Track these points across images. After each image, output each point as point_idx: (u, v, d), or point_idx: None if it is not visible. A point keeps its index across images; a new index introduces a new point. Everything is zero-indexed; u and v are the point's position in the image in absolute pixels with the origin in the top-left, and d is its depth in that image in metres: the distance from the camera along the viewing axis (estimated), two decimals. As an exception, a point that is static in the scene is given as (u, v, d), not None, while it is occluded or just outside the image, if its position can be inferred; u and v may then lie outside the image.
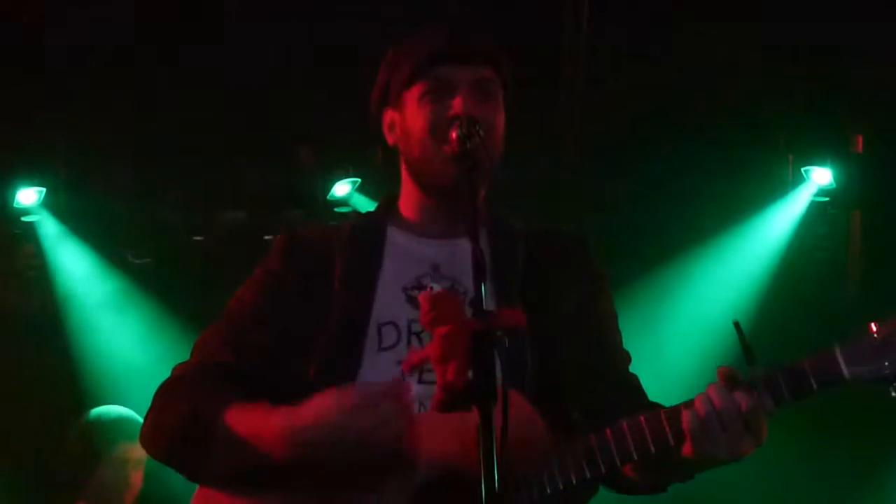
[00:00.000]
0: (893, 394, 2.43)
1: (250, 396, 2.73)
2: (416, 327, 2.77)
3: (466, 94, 2.78)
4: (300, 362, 2.78)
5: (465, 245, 2.76)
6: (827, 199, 7.05)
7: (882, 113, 6.66)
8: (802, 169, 6.99)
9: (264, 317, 2.86)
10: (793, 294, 7.03)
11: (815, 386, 2.45)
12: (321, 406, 2.56)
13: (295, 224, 2.87)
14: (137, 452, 4.81)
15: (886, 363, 2.42)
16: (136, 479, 4.99)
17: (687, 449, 2.52)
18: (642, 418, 2.56)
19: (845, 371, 2.43)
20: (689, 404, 2.53)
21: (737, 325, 2.47)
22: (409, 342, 2.78)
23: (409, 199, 2.97)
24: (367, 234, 2.95)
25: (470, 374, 2.28)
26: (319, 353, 2.77)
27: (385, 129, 2.96)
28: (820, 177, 6.97)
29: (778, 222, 7.12)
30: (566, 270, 2.92)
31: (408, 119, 2.86)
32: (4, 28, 5.97)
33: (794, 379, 2.48)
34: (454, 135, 2.65)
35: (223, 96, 6.42)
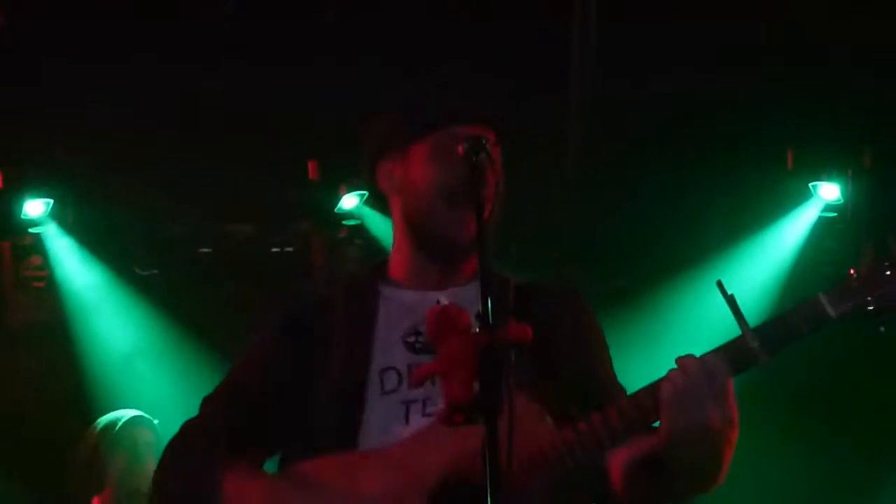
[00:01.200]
0: (882, 329, 2.54)
1: (251, 453, 2.83)
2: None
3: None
4: (304, 412, 2.84)
5: (462, 292, 2.85)
6: (835, 214, 7.04)
7: (891, 128, 6.66)
8: (810, 184, 6.99)
9: (266, 374, 2.90)
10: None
11: (805, 330, 2.54)
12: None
13: (286, 298, 2.94)
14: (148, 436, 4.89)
15: (870, 298, 2.53)
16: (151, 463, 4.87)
17: (662, 425, 2.54)
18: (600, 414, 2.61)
19: (831, 311, 2.54)
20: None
21: (719, 284, 2.51)
22: (409, 385, 2.79)
23: (402, 254, 2.97)
24: (361, 292, 2.95)
25: (476, 387, 2.28)
26: (324, 400, 2.81)
27: (381, 178, 2.95)
28: (828, 192, 6.96)
29: (786, 238, 7.11)
30: (557, 319, 2.90)
31: (413, 173, 2.86)
32: (9, 41, 5.98)
33: (784, 327, 2.55)
34: (461, 150, 2.64)
35: (231, 109, 6.43)
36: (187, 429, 2.90)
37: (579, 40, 6.24)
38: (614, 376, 2.97)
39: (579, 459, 2.60)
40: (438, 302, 2.59)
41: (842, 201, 6.97)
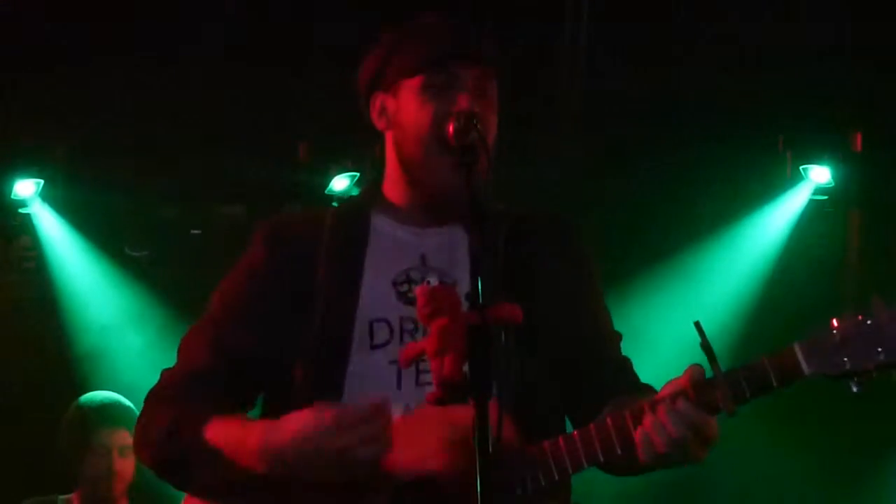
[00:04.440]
0: (854, 389, 2.44)
1: (233, 404, 2.75)
2: (409, 325, 2.73)
3: (471, 91, 2.73)
4: (286, 361, 2.75)
5: (452, 234, 2.79)
6: (825, 197, 7.05)
7: (881, 110, 6.66)
8: (801, 167, 6.99)
9: (247, 316, 2.81)
10: (790, 292, 7.03)
11: (775, 383, 2.47)
12: (299, 424, 2.53)
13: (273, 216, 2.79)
14: (123, 439, 4.73)
15: (846, 358, 2.43)
16: (124, 466, 4.84)
17: (639, 455, 2.52)
18: (593, 427, 2.55)
19: (805, 367, 2.45)
20: (637, 414, 2.52)
21: (697, 325, 2.48)
22: (401, 340, 2.72)
23: (395, 186, 2.88)
24: (351, 221, 2.88)
25: (466, 367, 2.28)
26: (305, 352, 2.73)
27: (374, 113, 2.88)
28: (818, 175, 6.97)
29: (776, 220, 7.12)
30: (550, 253, 2.85)
31: (405, 110, 2.79)
32: (3, 22, 5.96)
33: (755, 377, 2.48)
34: (451, 128, 2.62)
35: (221, 90, 6.42)
36: (167, 378, 2.84)
37: (573, 29, 6.24)
38: (610, 321, 2.93)
39: (551, 478, 2.56)
40: (429, 282, 2.59)
41: (832, 184, 6.98)
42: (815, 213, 7.09)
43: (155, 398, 2.82)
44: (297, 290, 2.78)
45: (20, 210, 6.92)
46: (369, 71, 2.89)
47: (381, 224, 2.86)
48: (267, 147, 6.94)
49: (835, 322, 2.47)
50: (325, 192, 7.06)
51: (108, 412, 4.90)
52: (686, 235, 7.08)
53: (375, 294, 2.77)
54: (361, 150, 6.97)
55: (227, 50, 6.25)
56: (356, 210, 2.92)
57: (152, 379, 2.89)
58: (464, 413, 2.29)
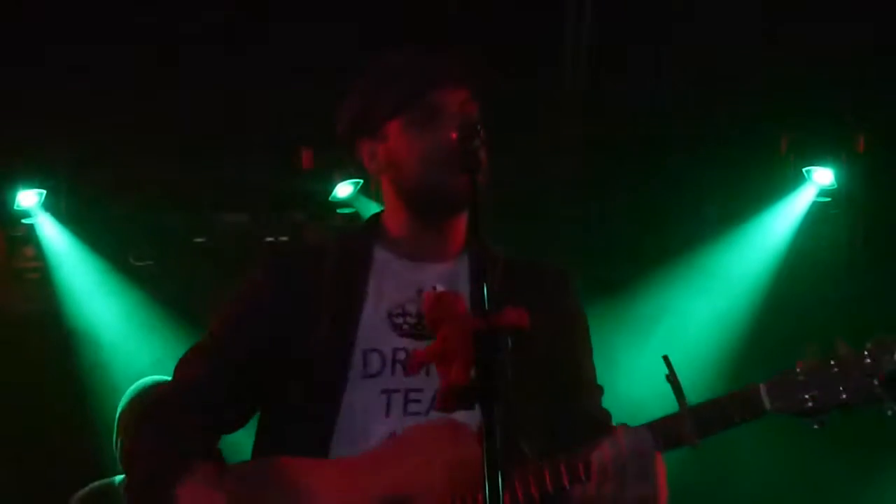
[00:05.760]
0: (816, 426, 2.54)
1: (227, 422, 2.82)
2: (401, 355, 2.76)
3: (457, 115, 2.72)
4: (282, 383, 2.78)
5: (450, 269, 2.83)
6: (829, 199, 7.05)
7: (884, 113, 6.66)
8: (804, 169, 6.99)
9: (246, 337, 2.82)
10: (794, 294, 7.03)
11: (737, 419, 2.54)
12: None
13: (279, 244, 2.83)
14: None
15: (807, 397, 2.52)
16: None
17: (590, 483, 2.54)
18: (546, 461, 2.58)
19: (767, 405, 2.54)
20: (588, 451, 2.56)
21: (666, 359, 2.53)
22: (392, 371, 2.75)
23: (395, 219, 2.90)
24: (354, 252, 2.89)
25: (473, 373, 2.28)
26: (303, 376, 2.76)
27: (364, 159, 2.89)
28: (822, 177, 6.97)
29: (780, 222, 7.12)
30: (543, 303, 2.81)
31: (395, 151, 2.81)
32: (5, 28, 5.96)
33: (720, 413, 2.55)
34: (454, 136, 2.63)
35: (225, 97, 6.42)
36: (161, 396, 2.87)
37: (573, 32, 6.24)
38: (593, 376, 2.94)
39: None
40: (434, 288, 2.58)
41: (835, 186, 6.98)
42: (819, 214, 7.09)
43: (145, 415, 2.86)
44: (298, 315, 2.80)
45: (23, 220, 6.92)
46: (349, 117, 2.90)
47: (382, 256, 2.88)
48: (270, 155, 6.95)
49: (799, 364, 2.55)
50: (329, 199, 7.07)
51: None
52: (690, 238, 7.07)
53: (371, 324, 2.80)
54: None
55: (229, 57, 6.25)
56: (359, 241, 2.94)
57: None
58: (451, 432, 2.47)
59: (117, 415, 4.89)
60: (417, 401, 2.71)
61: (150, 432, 2.78)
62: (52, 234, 6.97)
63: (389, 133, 2.82)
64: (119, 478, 4.83)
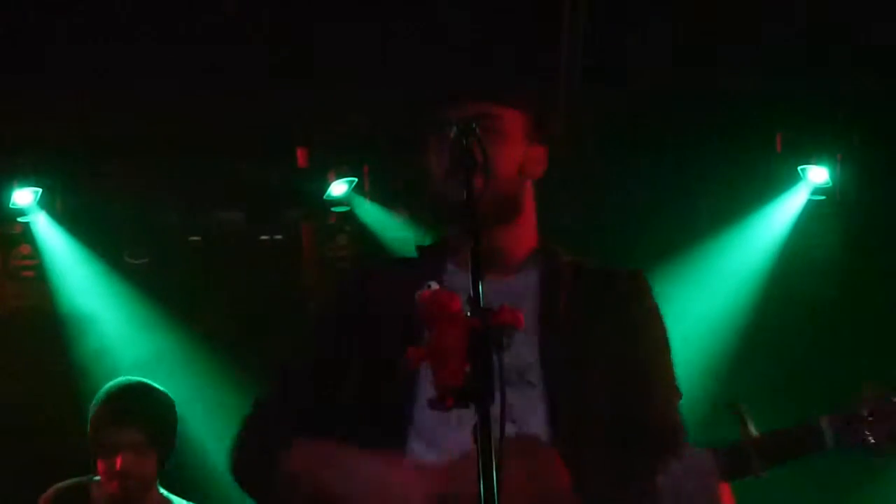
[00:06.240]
0: (875, 458, 2.70)
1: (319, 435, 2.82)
2: None
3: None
4: (355, 401, 2.82)
5: (520, 283, 2.86)
6: (823, 197, 7.06)
7: (879, 111, 6.67)
8: (799, 167, 6.99)
9: (336, 359, 2.87)
10: (789, 293, 7.03)
11: (797, 453, 2.69)
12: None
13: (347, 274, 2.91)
14: (132, 437, 4.51)
15: (868, 433, 2.65)
16: (135, 466, 4.54)
17: None
18: None
19: (830, 441, 2.70)
20: None
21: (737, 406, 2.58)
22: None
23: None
24: (430, 265, 2.91)
25: (468, 372, 2.29)
26: (374, 387, 2.79)
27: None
28: (817, 175, 6.97)
29: (774, 221, 7.12)
30: (614, 308, 2.86)
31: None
32: (2, 27, 5.96)
33: (782, 446, 2.58)
34: (451, 135, 2.63)
35: (221, 95, 6.41)
36: (261, 404, 2.91)
37: (569, 28, 6.24)
38: (667, 376, 2.91)
39: None
40: (430, 286, 2.58)
41: (830, 184, 6.98)
42: (814, 213, 7.09)
43: (241, 441, 2.88)
44: (386, 339, 2.81)
45: (19, 219, 6.92)
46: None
47: (451, 269, 2.90)
48: (266, 153, 6.95)
49: (865, 406, 2.66)
50: (324, 197, 7.07)
51: (117, 407, 4.63)
52: (684, 236, 7.07)
53: None
54: (360, 156, 7.00)
55: (226, 56, 6.24)
56: (436, 254, 2.96)
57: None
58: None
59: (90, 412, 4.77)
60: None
61: (254, 434, 2.85)
62: (48, 233, 6.96)
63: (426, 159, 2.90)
64: (97, 477, 4.79)
